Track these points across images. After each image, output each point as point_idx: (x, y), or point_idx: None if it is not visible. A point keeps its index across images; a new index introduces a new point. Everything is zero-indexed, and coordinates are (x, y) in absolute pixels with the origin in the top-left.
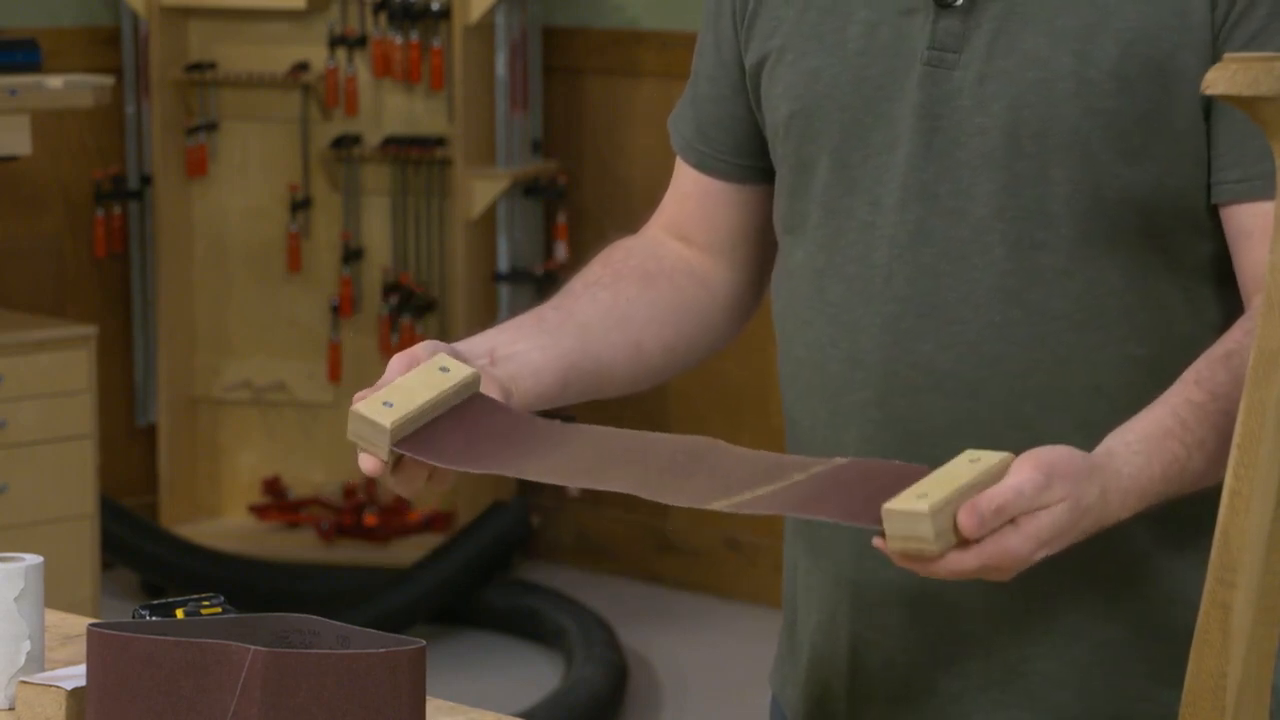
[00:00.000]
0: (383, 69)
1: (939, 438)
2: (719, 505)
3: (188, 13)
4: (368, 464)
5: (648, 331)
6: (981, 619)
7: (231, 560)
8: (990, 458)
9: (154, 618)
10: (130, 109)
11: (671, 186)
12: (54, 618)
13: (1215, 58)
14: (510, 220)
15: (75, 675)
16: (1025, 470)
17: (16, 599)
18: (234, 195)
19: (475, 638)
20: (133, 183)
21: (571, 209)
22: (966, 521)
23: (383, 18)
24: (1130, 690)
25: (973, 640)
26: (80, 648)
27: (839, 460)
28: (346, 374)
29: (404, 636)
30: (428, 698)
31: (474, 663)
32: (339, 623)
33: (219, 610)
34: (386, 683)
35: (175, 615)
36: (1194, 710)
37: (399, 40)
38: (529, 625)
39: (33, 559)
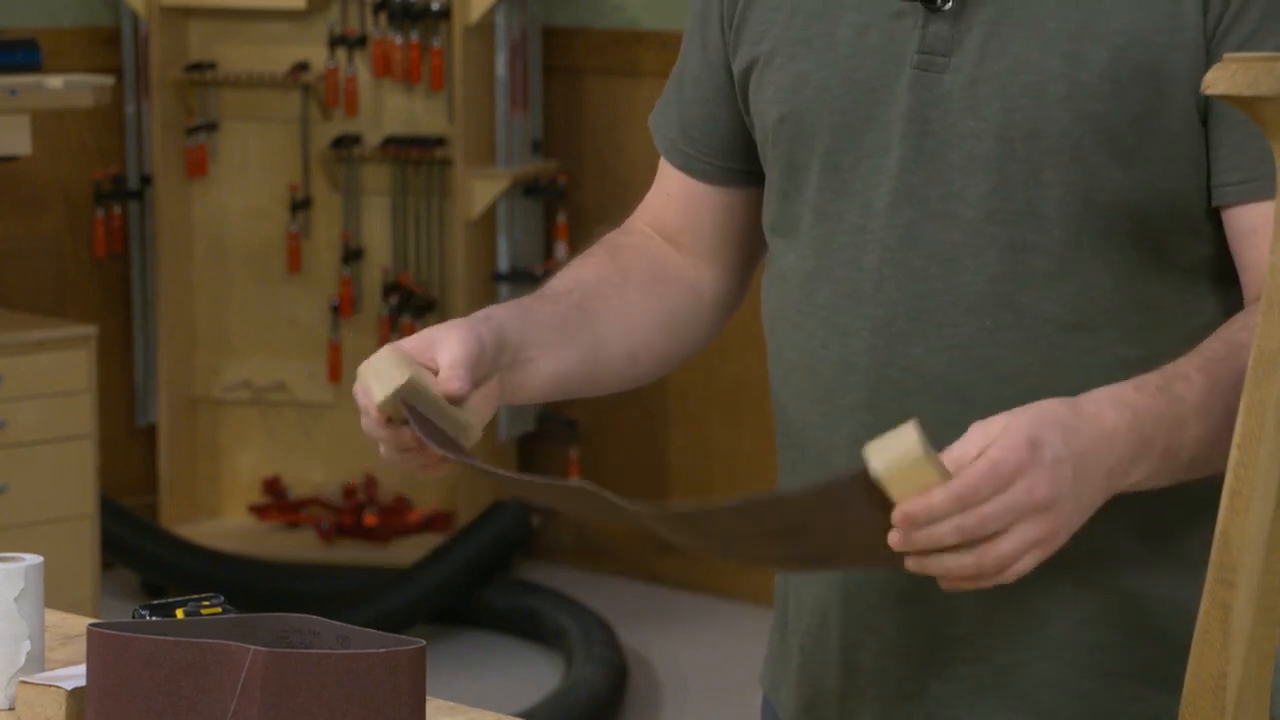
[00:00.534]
0: (383, 69)
1: (930, 441)
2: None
3: (188, 13)
4: (364, 399)
5: (645, 340)
6: (973, 622)
7: (231, 560)
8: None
9: (154, 618)
10: (130, 109)
11: (656, 185)
12: (54, 618)
13: (1209, 61)
14: (510, 220)
15: (75, 675)
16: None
17: (16, 599)
18: (234, 195)
19: (475, 638)
20: (133, 183)
21: (571, 209)
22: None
23: (383, 18)
24: (1122, 692)
25: (964, 643)
26: (80, 648)
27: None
28: (346, 374)
29: (404, 636)
30: (428, 698)
31: (474, 663)
32: (339, 623)
33: (219, 610)
34: (386, 683)
35: (175, 615)
36: (1194, 710)
37: (399, 40)
38: (529, 625)
39: (33, 559)
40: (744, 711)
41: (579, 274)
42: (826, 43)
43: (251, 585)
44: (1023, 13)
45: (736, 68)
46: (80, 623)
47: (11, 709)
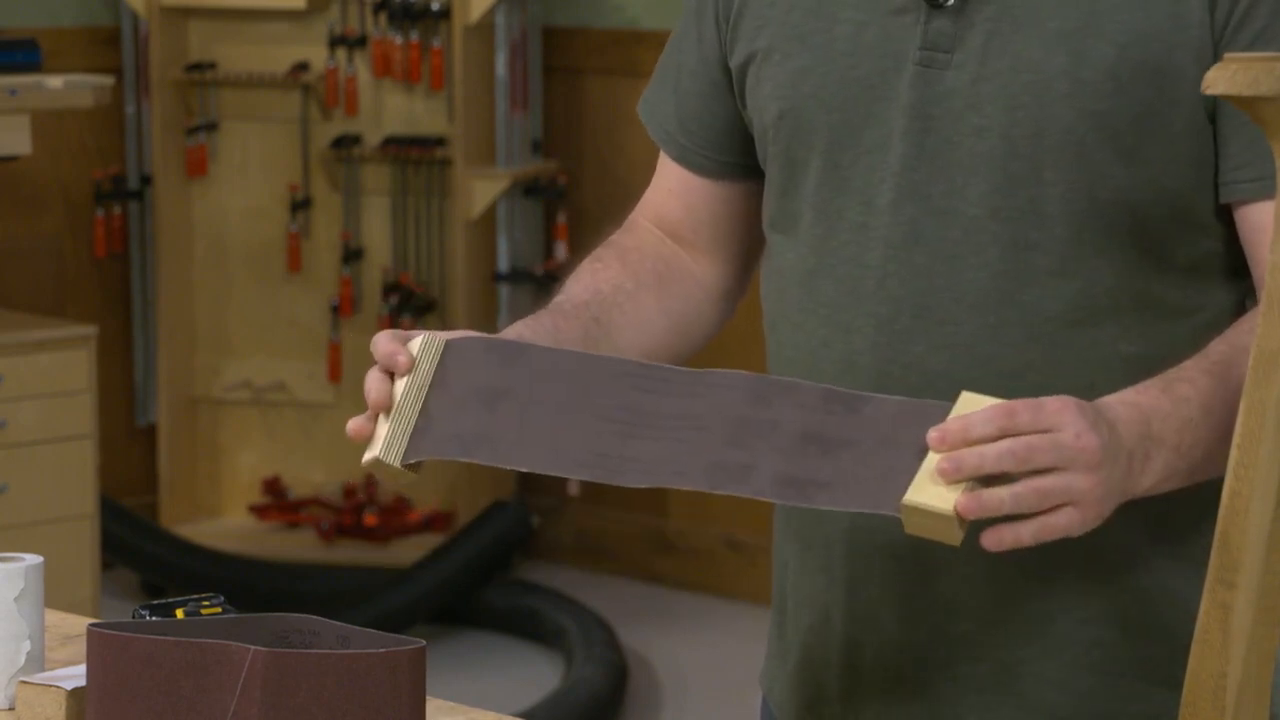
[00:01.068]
0: (383, 69)
1: None
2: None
3: (188, 13)
4: (393, 344)
5: (659, 342)
6: (974, 620)
7: (231, 560)
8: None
9: (154, 618)
10: (130, 109)
11: (655, 180)
12: (54, 618)
13: (1216, 60)
14: (510, 220)
15: (75, 675)
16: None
17: (16, 599)
18: (234, 195)
19: (475, 638)
20: (133, 183)
21: (571, 209)
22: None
23: (383, 18)
24: (1122, 690)
25: (966, 642)
26: (80, 648)
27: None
28: (346, 374)
29: (404, 636)
30: (428, 698)
31: (474, 663)
32: (339, 623)
33: (219, 610)
34: (386, 683)
35: (175, 615)
36: (1194, 710)
37: (399, 40)
38: (529, 625)
39: (33, 559)
40: (744, 711)
41: (593, 283)
42: (824, 39)
43: (251, 585)
44: (1025, 10)
45: (734, 63)
46: (80, 623)
47: (11, 709)
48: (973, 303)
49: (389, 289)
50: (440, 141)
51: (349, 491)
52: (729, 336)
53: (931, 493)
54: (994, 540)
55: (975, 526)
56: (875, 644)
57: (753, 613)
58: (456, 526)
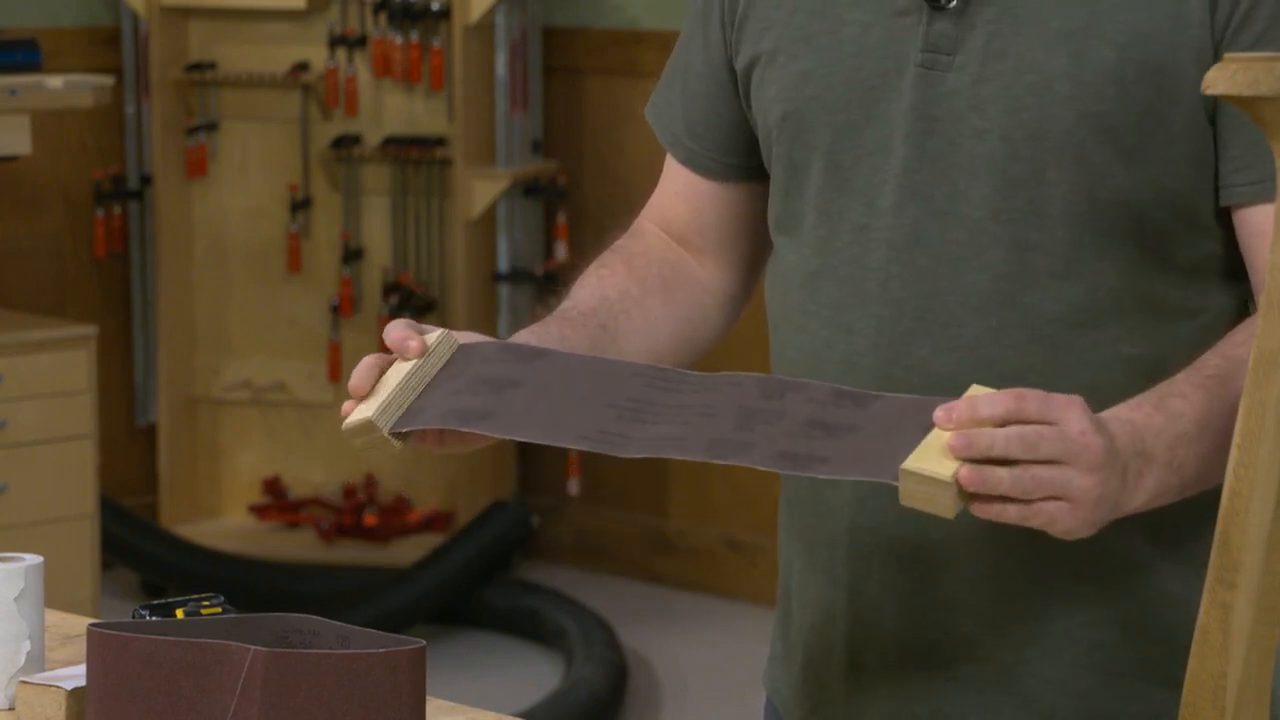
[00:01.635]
0: (383, 69)
1: None
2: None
3: (188, 13)
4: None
5: (666, 347)
6: (977, 621)
7: (231, 560)
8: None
9: (154, 618)
10: (130, 109)
11: (662, 183)
12: (54, 618)
13: (1216, 61)
14: (510, 220)
15: (75, 675)
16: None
17: (16, 599)
18: (234, 195)
19: (475, 638)
20: (133, 183)
21: (571, 209)
22: (941, 414)
23: (383, 18)
24: (1123, 690)
25: (969, 643)
26: (80, 648)
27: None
28: (346, 374)
29: (404, 636)
30: (428, 698)
31: (474, 663)
32: (339, 623)
33: (219, 610)
34: (386, 683)
35: (175, 615)
36: (1194, 710)
37: (399, 40)
38: (529, 625)
39: (33, 559)
40: (744, 711)
41: (600, 290)
42: (829, 40)
43: (251, 585)
44: (1026, 12)
45: (739, 65)
46: (80, 623)
47: (11, 709)
48: (975, 305)
49: (389, 289)
50: (440, 141)
51: (349, 491)
52: (732, 339)
53: (933, 460)
54: (981, 508)
55: (967, 518)
56: (878, 644)
57: (753, 613)
58: (456, 526)
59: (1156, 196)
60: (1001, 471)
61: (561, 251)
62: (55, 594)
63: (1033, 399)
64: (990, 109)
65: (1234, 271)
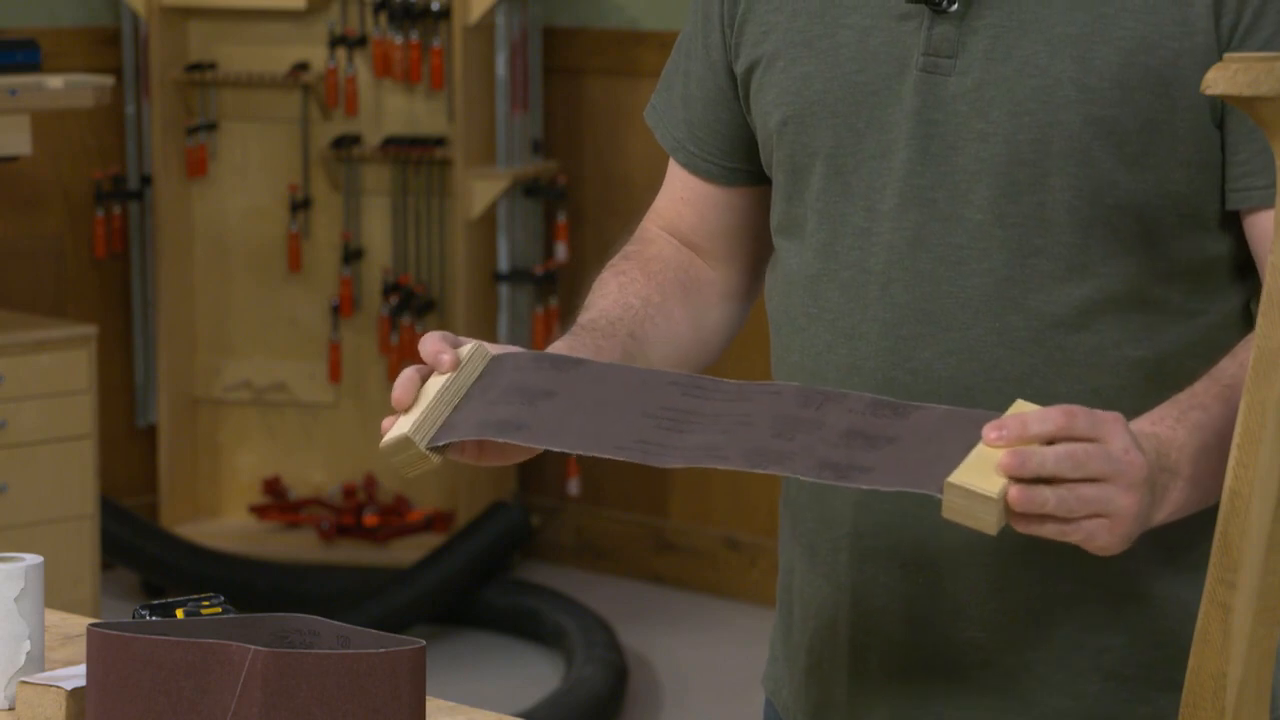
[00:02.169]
0: (383, 69)
1: None
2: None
3: (188, 13)
4: (440, 344)
5: (687, 351)
6: (981, 626)
7: (231, 560)
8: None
9: (154, 618)
10: (130, 109)
11: (665, 188)
12: (54, 618)
13: None
14: (510, 220)
15: (75, 675)
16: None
17: (16, 599)
18: (234, 195)
19: (475, 638)
20: (133, 183)
21: (571, 209)
22: (990, 432)
23: (383, 18)
24: (1128, 695)
25: (972, 646)
26: (80, 648)
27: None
28: (346, 374)
29: (404, 636)
30: (428, 698)
31: (474, 663)
32: (339, 623)
33: (219, 610)
34: (386, 683)
35: (175, 615)
36: (1194, 710)
37: (399, 40)
38: (529, 625)
39: (33, 559)
40: (744, 712)
41: (622, 298)
42: (829, 44)
43: (251, 585)
44: (1029, 16)
45: (738, 70)
46: (80, 623)
47: (11, 709)
48: (978, 308)
49: (389, 289)
50: (440, 141)
51: (349, 492)
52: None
53: (979, 476)
54: (1023, 525)
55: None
56: (882, 649)
57: (753, 613)
58: (456, 526)
59: (1160, 200)
60: (1047, 491)
61: (561, 252)
62: (55, 594)
63: (1082, 415)
64: (993, 112)
65: (1237, 273)
